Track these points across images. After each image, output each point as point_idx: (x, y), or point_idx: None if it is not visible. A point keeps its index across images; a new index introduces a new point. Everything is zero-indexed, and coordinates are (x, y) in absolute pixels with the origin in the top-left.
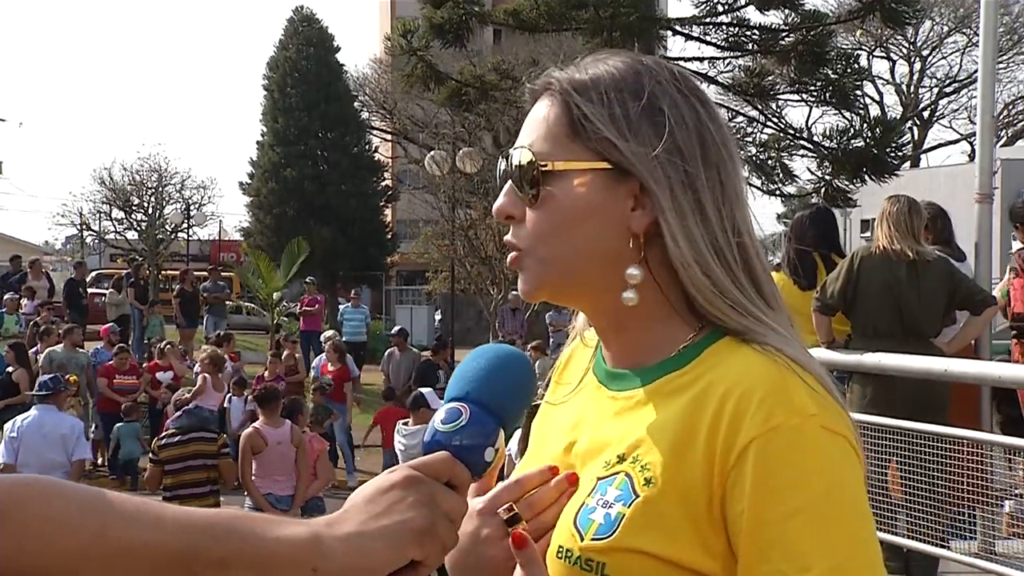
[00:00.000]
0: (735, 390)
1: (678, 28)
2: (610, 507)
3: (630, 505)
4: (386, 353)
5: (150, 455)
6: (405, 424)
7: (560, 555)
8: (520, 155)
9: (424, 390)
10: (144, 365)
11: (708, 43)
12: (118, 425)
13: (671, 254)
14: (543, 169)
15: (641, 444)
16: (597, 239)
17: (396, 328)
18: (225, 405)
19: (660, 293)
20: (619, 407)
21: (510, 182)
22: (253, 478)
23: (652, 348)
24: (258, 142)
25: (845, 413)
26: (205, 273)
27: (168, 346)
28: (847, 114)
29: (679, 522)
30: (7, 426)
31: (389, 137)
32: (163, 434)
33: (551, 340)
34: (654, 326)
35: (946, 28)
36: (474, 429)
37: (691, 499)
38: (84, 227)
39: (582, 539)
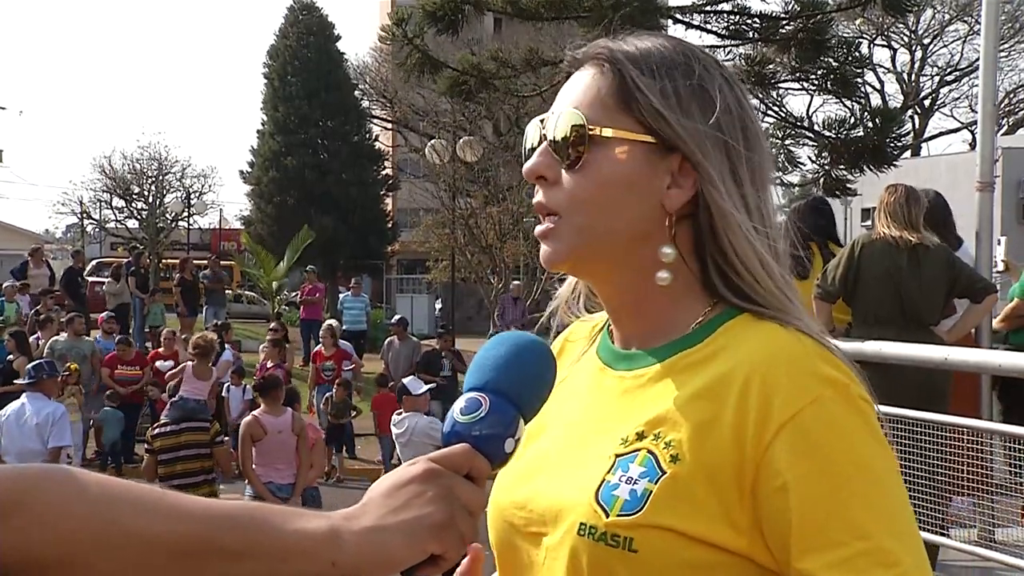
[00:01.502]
0: (763, 365)
1: (679, 16)
2: (635, 483)
3: (657, 481)
4: (386, 342)
5: (145, 445)
6: (398, 413)
7: (582, 532)
8: (567, 116)
9: (406, 380)
10: (148, 355)
11: (708, 31)
12: (103, 410)
13: (717, 228)
14: (590, 133)
15: (662, 422)
16: (632, 213)
17: (396, 317)
18: (223, 395)
19: (684, 272)
20: (628, 386)
21: (545, 143)
22: (254, 466)
23: (665, 327)
24: (258, 131)
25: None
26: (206, 262)
27: (169, 334)
28: (848, 103)
29: (706, 498)
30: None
31: (389, 126)
32: (157, 424)
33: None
34: (671, 305)
35: (947, 16)
36: (494, 419)
37: (719, 475)
38: (84, 216)
39: (607, 515)
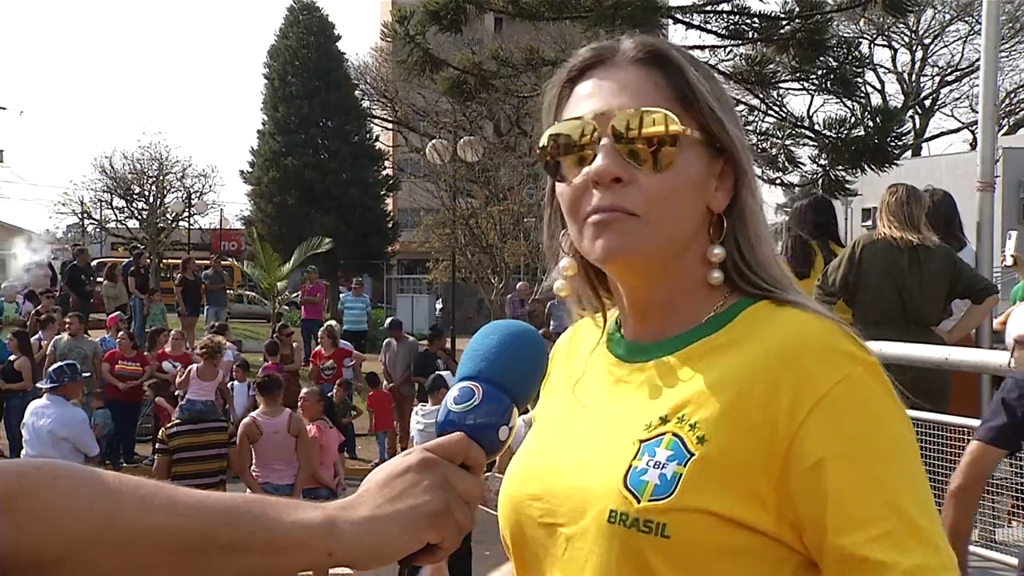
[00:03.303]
0: (792, 346)
1: (679, 16)
2: (663, 467)
3: (686, 464)
4: (385, 343)
5: (157, 443)
6: (423, 406)
7: (612, 519)
8: (653, 116)
9: (443, 373)
10: (148, 354)
11: (709, 31)
12: (94, 412)
13: (748, 230)
14: (682, 134)
15: (686, 405)
16: (691, 215)
17: (389, 320)
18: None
19: (706, 269)
20: (646, 376)
21: (610, 141)
22: (253, 468)
23: (682, 319)
24: (259, 131)
25: None
26: (208, 261)
27: (178, 335)
28: (848, 103)
29: (735, 478)
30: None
31: (390, 126)
32: (172, 424)
33: (552, 326)
34: (694, 299)
35: (948, 16)
36: (488, 408)
37: (747, 455)
38: (85, 216)
39: (639, 500)
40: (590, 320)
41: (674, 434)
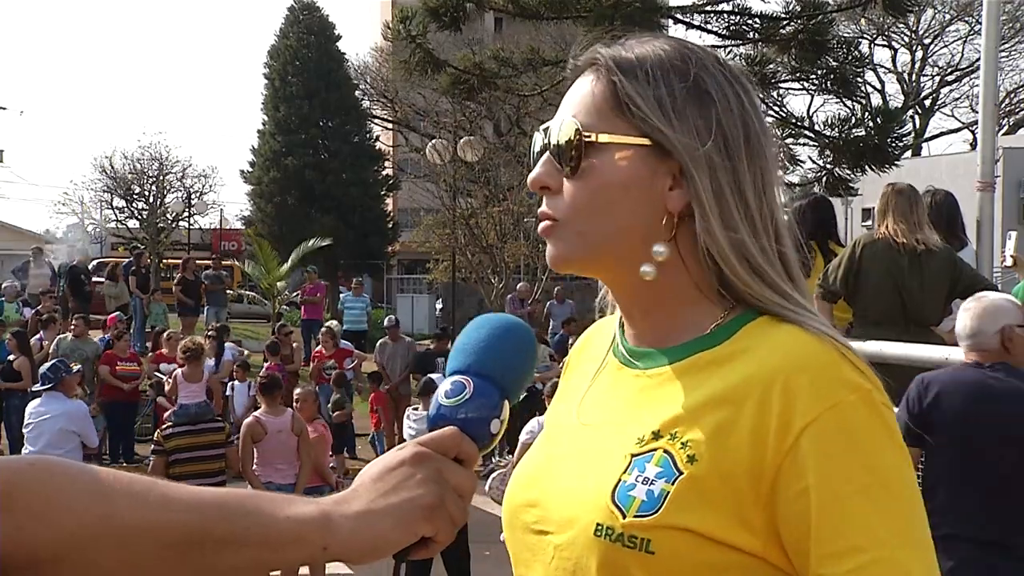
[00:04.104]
0: (786, 368)
1: (679, 16)
2: (652, 484)
3: (674, 482)
4: (379, 343)
5: (153, 445)
6: (415, 409)
7: (599, 532)
8: (563, 125)
9: (434, 376)
10: (148, 355)
11: (709, 32)
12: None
13: (701, 235)
14: (587, 140)
15: (679, 421)
16: (633, 214)
17: (388, 319)
18: (227, 393)
19: (688, 274)
20: (644, 384)
21: (547, 153)
22: (255, 467)
23: (679, 328)
24: (259, 131)
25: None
26: (207, 261)
27: (170, 336)
28: (848, 103)
29: (723, 499)
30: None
31: (390, 126)
32: (166, 425)
33: (551, 326)
34: (682, 306)
35: (948, 16)
36: (479, 401)
37: (736, 477)
38: (85, 216)
39: (624, 516)
40: (602, 324)
41: (665, 451)
